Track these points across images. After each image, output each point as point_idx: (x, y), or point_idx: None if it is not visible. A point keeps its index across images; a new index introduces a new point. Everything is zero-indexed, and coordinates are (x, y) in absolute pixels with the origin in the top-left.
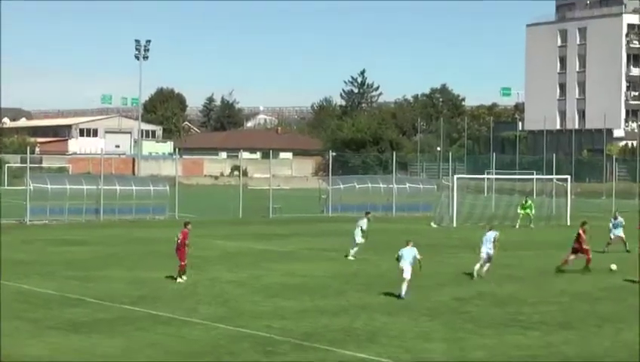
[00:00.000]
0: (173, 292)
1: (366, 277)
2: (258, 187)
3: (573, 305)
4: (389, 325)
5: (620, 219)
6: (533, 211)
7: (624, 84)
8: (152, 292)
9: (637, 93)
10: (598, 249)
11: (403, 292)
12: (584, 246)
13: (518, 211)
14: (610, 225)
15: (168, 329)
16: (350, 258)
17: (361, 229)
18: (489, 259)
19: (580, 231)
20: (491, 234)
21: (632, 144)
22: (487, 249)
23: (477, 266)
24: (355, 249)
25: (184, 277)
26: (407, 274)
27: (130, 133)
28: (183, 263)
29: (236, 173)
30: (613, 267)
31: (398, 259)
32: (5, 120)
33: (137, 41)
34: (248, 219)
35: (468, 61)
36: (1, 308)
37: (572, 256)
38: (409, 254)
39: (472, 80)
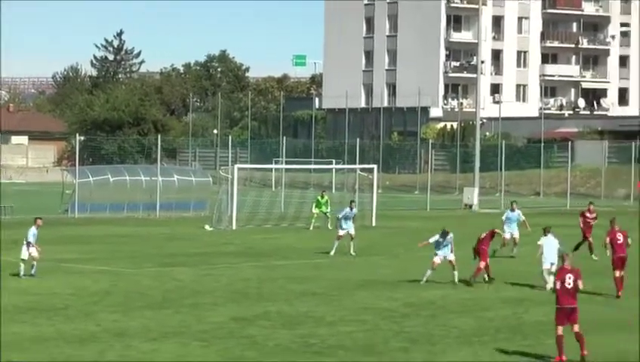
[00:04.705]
0: None
1: (121, 296)
2: None
3: (378, 324)
4: (151, 354)
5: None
6: (329, 209)
7: (443, 53)
8: None
9: (458, 64)
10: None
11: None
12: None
13: (313, 210)
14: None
15: None
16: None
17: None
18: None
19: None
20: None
21: (452, 126)
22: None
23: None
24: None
25: None
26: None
27: None
28: None
29: None
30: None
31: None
32: None
33: None
34: None
35: (252, 21)
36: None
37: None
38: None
39: (257, 46)
